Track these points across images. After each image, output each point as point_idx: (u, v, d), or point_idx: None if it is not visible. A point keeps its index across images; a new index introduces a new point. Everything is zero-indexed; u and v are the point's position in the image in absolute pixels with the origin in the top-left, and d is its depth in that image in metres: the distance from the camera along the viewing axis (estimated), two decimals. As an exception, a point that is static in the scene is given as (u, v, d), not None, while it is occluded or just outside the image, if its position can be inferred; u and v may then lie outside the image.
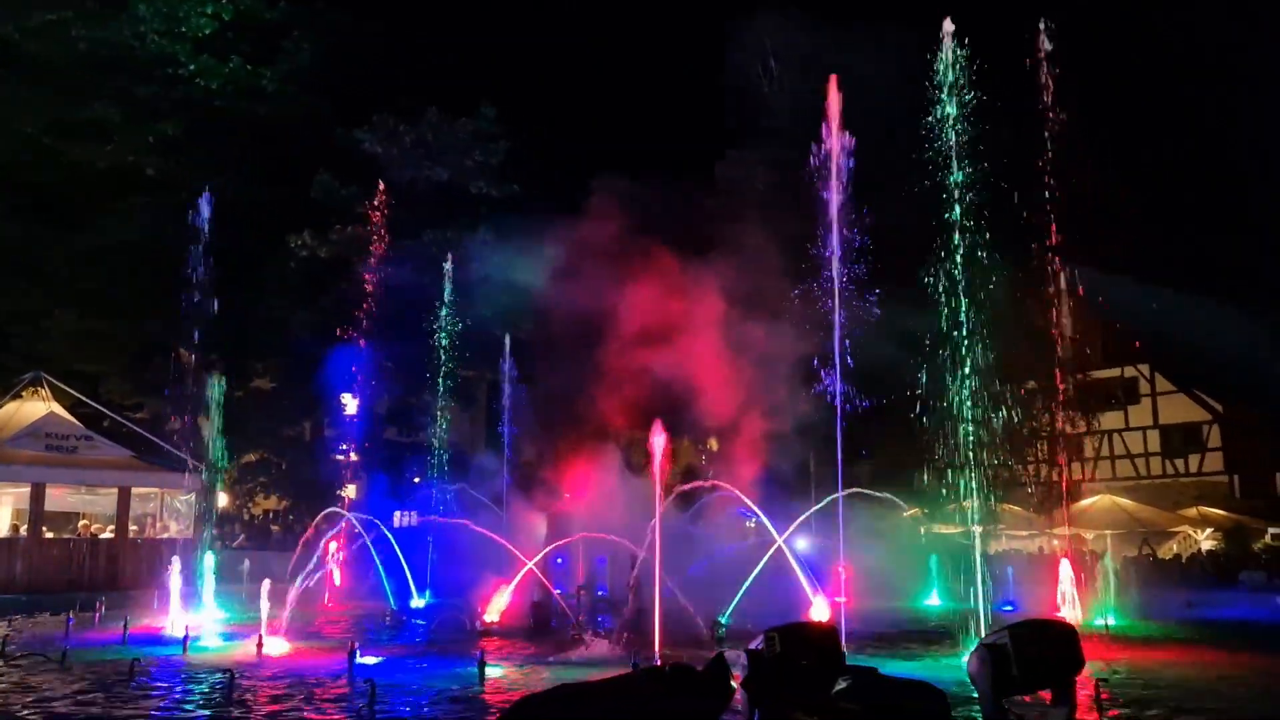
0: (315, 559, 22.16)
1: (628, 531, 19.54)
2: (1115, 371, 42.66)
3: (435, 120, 40.39)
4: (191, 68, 35.49)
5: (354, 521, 23.26)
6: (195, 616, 18.37)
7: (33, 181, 34.20)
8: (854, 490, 21.51)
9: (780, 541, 18.31)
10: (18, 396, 30.82)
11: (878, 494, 22.15)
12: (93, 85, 34.06)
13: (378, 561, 23.32)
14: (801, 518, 20.18)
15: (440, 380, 33.02)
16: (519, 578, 19.54)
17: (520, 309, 38.35)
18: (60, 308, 35.71)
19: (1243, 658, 15.42)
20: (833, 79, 16.46)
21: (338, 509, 23.33)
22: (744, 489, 21.43)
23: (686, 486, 22.32)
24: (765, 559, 18.31)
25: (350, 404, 43.57)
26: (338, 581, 24.62)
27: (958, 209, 16.12)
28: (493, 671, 13.00)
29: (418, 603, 24.26)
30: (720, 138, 41.03)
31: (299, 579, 20.18)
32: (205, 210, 22.16)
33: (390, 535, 23.81)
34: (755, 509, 19.80)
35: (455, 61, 46.45)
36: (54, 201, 35.07)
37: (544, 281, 31.70)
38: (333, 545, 23.52)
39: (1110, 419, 42.92)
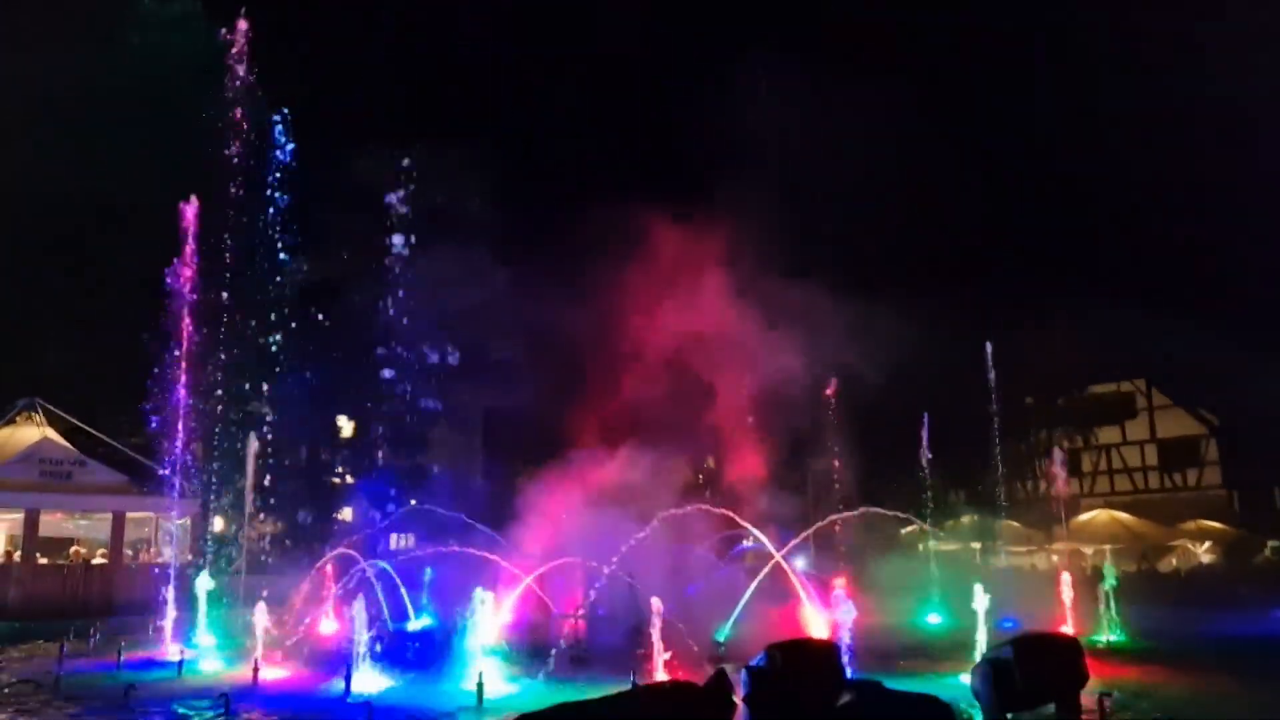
0: (312, 581, 22.08)
1: (620, 554, 19.48)
2: (1112, 387, 42.71)
3: (429, 148, 40.54)
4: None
5: (359, 558, 23.14)
6: (191, 641, 18.22)
7: (30, 213, 34.19)
8: (865, 510, 21.53)
9: (779, 557, 18.24)
10: (11, 422, 30.68)
11: (884, 511, 22.10)
12: (91, 120, 34.15)
13: (377, 586, 23.20)
14: (800, 537, 20.12)
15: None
16: (516, 593, 19.44)
17: (512, 332, 38.40)
18: (57, 334, 35.65)
19: (1242, 674, 15.27)
20: None
21: (347, 549, 23.24)
22: (742, 505, 21.35)
23: (674, 511, 22.22)
24: (763, 573, 18.25)
25: (346, 428, 43.53)
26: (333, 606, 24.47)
27: None
28: (491, 693, 12.87)
29: (415, 625, 24.08)
30: (715, 158, 41.10)
31: (296, 606, 20.08)
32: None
33: (390, 569, 23.72)
34: (749, 527, 19.72)
35: (449, 89, 46.79)
36: (48, 231, 35.05)
37: (535, 305, 31.77)
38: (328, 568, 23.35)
39: (1107, 434, 42.93)
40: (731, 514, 20.57)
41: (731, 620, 17.61)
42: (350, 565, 22.46)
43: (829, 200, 33.57)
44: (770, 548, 18.71)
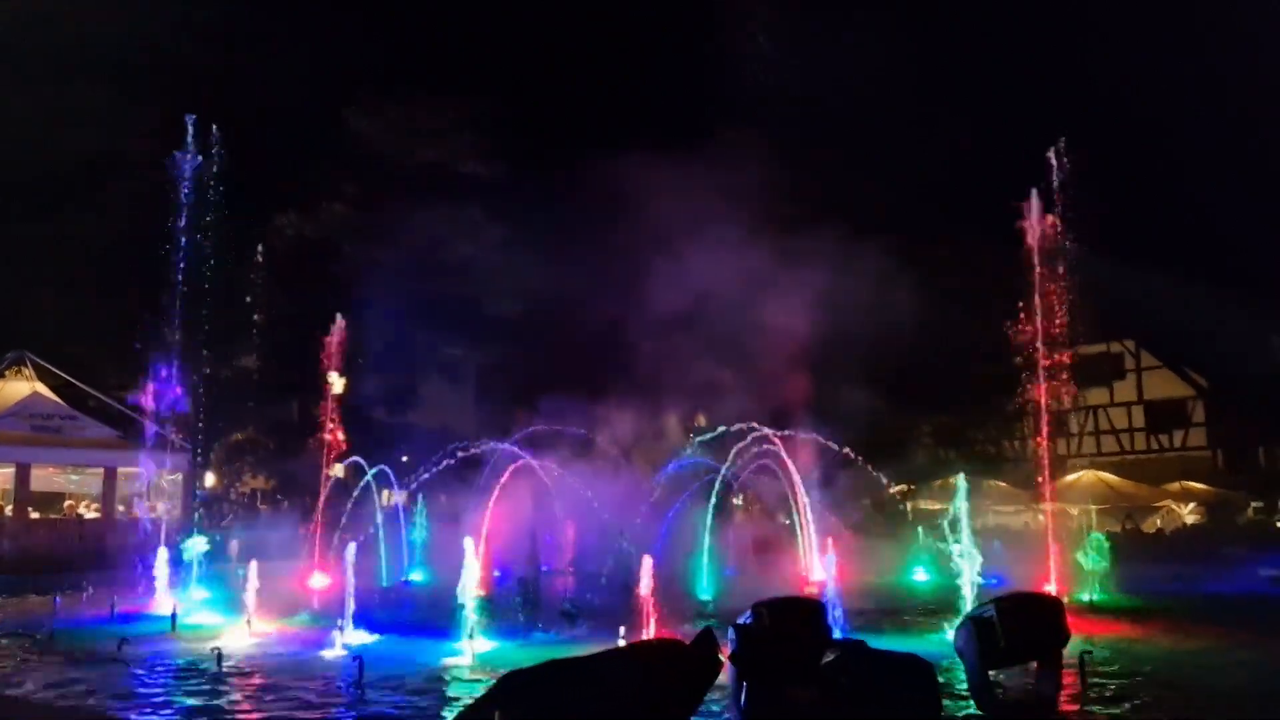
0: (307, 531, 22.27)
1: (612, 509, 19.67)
2: (1101, 347, 42.78)
3: (423, 101, 40.20)
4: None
5: (369, 480, 23.40)
6: (183, 595, 18.33)
7: (15, 166, 33.89)
8: (812, 436, 21.79)
9: (771, 435, 18.50)
10: (0, 376, 30.59)
11: (829, 444, 22.32)
12: (78, 71, 33.73)
13: (379, 536, 23.44)
14: (786, 431, 20.51)
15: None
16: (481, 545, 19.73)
17: (507, 288, 38.30)
18: (45, 290, 35.48)
19: (1225, 631, 15.49)
20: None
21: (359, 460, 23.62)
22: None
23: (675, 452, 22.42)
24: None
25: (337, 384, 43.46)
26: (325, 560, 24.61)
27: None
28: (481, 647, 13.01)
29: (408, 579, 24.30)
30: (711, 110, 40.78)
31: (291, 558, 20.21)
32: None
33: (389, 474, 24.01)
34: (742, 427, 20.07)
35: (444, 42, 46.29)
36: (37, 186, 34.76)
37: (529, 260, 31.72)
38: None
39: (1095, 395, 43.08)
40: (721, 425, 20.86)
41: (704, 568, 17.83)
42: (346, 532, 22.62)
43: (817, 153, 33.33)
44: (764, 431, 19.22)
